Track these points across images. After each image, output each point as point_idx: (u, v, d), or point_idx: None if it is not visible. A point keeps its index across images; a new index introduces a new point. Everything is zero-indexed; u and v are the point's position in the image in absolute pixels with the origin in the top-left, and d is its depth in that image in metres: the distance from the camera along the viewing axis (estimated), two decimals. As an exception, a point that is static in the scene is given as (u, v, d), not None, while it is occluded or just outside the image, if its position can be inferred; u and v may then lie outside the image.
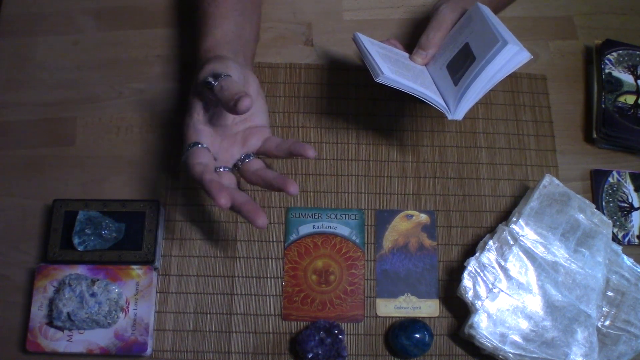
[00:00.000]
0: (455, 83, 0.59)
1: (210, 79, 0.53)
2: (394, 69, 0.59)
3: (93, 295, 0.59)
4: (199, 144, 0.55)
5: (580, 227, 0.63)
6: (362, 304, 0.64)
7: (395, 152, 0.69)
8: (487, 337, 0.59)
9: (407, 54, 0.66)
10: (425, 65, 0.65)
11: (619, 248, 0.64)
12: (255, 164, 0.58)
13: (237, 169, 0.58)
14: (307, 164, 0.68)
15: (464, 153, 0.70)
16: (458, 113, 0.58)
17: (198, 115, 0.56)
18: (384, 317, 0.63)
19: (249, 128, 0.59)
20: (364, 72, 0.72)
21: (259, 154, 0.59)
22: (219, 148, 0.57)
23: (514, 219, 0.63)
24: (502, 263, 0.61)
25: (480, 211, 0.68)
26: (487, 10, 0.60)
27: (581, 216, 0.63)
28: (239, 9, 0.64)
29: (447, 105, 0.59)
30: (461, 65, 0.59)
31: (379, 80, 0.57)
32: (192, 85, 0.57)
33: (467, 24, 0.61)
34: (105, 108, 0.70)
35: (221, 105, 0.53)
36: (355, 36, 0.63)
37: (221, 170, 0.57)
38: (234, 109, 0.51)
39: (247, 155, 0.58)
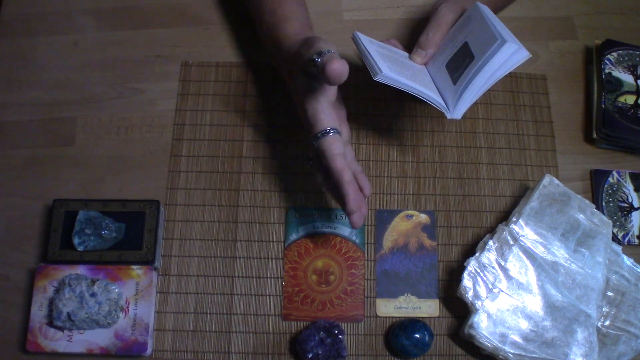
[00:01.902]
0: (454, 82, 0.59)
1: (315, 57, 0.53)
2: (393, 67, 0.59)
3: (93, 295, 0.59)
4: (334, 130, 0.55)
5: (580, 227, 0.63)
6: (362, 304, 0.64)
7: (395, 152, 0.69)
8: (487, 337, 0.59)
9: (406, 54, 0.66)
10: (425, 64, 0.65)
11: (619, 248, 0.64)
12: (350, 153, 0.60)
13: None
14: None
15: (464, 153, 0.70)
16: (457, 112, 0.58)
17: (326, 99, 0.56)
18: (384, 317, 0.63)
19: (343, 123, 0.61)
20: (364, 72, 0.71)
21: None
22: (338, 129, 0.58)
23: (514, 219, 0.63)
24: (502, 263, 0.61)
25: (480, 211, 0.68)
26: (486, 10, 0.60)
27: (581, 216, 0.63)
28: None
29: (446, 105, 0.59)
30: (460, 64, 0.59)
31: (378, 78, 0.57)
32: (298, 68, 0.57)
33: (466, 24, 0.61)
34: (105, 108, 0.70)
35: (320, 79, 0.53)
36: (354, 35, 0.63)
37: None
38: (324, 75, 0.51)
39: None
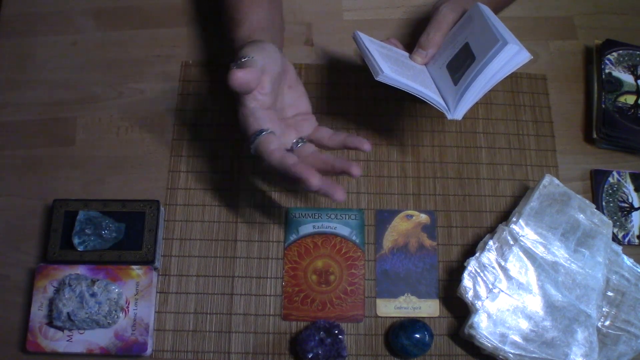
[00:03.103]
0: (455, 83, 0.59)
1: (232, 64, 0.53)
2: (394, 67, 0.59)
3: (93, 295, 0.59)
4: (264, 130, 0.54)
5: (580, 227, 0.63)
6: (362, 304, 0.64)
7: (395, 152, 0.69)
8: (487, 337, 0.59)
9: (407, 54, 0.66)
10: (425, 64, 0.65)
11: (619, 248, 0.64)
12: (309, 148, 0.57)
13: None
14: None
15: (464, 153, 0.70)
16: (457, 113, 0.58)
17: (254, 102, 0.54)
18: (384, 317, 0.63)
19: (298, 114, 0.60)
20: (364, 72, 0.72)
21: (310, 142, 0.59)
22: (279, 130, 0.56)
23: (514, 219, 0.63)
24: (502, 263, 0.61)
25: (480, 211, 0.68)
26: (487, 10, 0.60)
27: (581, 216, 0.63)
28: None
29: (446, 105, 0.59)
30: (461, 65, 0.59)
31: (379, 78, 0.57)
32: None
33: (467, 24, 0.61)
34: (105, 108, 0.70)
35: None
36: (355, 35, 0.63)
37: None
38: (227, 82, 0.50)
39: (301, 139, 0.58)
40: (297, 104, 0.60)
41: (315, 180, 0.49)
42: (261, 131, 0.53)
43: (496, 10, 0.70)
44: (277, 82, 0.57)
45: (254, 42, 0.56)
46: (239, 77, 0.50)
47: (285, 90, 0.59)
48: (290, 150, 0.57)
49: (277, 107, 0.58)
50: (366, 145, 0.55)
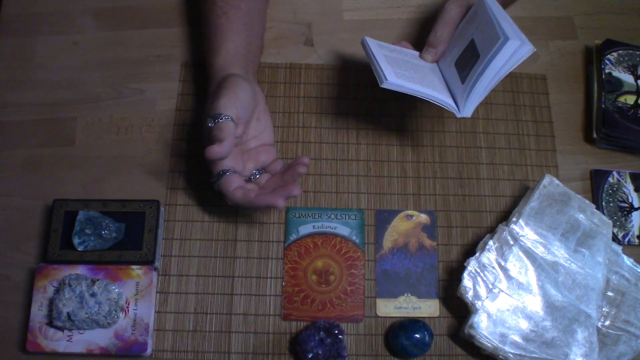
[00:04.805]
0: (463, 81, 0.59)
1: (210, 121, 0.56)
2: (401, 72, 0.59)
3: (93, 295, 0.59)
4: (227, 171, 0.58)
5: (580, 227, 0.63)
6: (362, 304, 0.64)
7: (395, 152, 0.69)
8: (487, 337, 0.59)
9: (417, 53, 0.66)
10: (436, 62, 0.66)
11: (619, 248, 0.64)
12: (264, 177, 0.62)
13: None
14: (307, 164, 0.68)
15: (464, 153, 0.70)
16: (466, 111, 0.59)
17: None
18: (384, 317, 0.63)
19: (260, 145, 0.63)
20: (364, 72, 0.72)
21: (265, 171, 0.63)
22: (241, 165, 0.60)
23: (514, 219, 0.63)
24: (502, 263, 0.61)
25: (480, 211, 0.68)
26: (491, 4, 0.60)
27: (581, 216, 0.63)
28: (247, 22, 0.65)
29: (457, 103, 0.59)
30: (467, 63, 0.60)
31: (384, 86, 0.57)
32: (206, 111, 0.59)
33: (473, 19, 0.61)
34: (105, 108, 0.70)
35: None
36: (363, 41, 0.62)
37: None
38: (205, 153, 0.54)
39: (258, 171, 0.62)
40: (261, 136, 0.64)
41: (280, 202, 0.55)
42: (223, 172, 0.58)
43: (505, 5, 0.70)
44: (247, 122, 0.61)
45: (227, 87, 0.58)
46: (215, 152, 0.54)
47: (253, 123, 0.63)
48: (249, 180, 0.62)
49: (243, 141, 0.62)
50: (302, 167, 0.58)
